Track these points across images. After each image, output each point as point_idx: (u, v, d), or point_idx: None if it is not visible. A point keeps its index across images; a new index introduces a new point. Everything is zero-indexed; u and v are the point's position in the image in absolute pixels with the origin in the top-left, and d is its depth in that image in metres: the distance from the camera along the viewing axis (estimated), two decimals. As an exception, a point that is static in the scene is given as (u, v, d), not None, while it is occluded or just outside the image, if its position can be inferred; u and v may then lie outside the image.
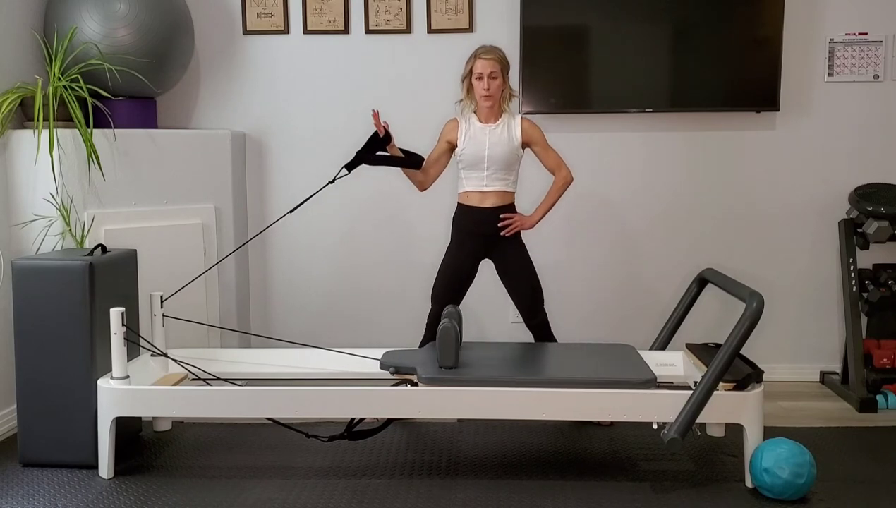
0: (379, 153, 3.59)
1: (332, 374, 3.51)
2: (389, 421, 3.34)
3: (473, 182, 3.62)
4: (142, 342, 3.33)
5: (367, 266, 4.50)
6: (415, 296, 4.37)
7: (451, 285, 3.69)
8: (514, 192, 3.67)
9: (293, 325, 4.51)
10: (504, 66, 3.59)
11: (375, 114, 3.56)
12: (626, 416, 2.98)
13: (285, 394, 3.04)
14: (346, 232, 4.50)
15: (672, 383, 3.42)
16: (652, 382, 3.06)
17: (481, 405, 3.04)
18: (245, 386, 3.18)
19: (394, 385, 3.22)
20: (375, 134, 3.55)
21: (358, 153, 3.58)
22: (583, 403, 3.02)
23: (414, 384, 3.18)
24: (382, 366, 3.33)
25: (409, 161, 3.64)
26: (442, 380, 3.10)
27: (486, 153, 3.57)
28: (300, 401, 3.04)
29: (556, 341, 3.72)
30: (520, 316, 3.75)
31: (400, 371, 3.27)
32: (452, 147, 3.68)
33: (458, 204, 3.69)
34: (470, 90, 3.62)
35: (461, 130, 3.63)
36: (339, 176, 3.58)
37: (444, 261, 3.72)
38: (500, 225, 3.61)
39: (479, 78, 3.55)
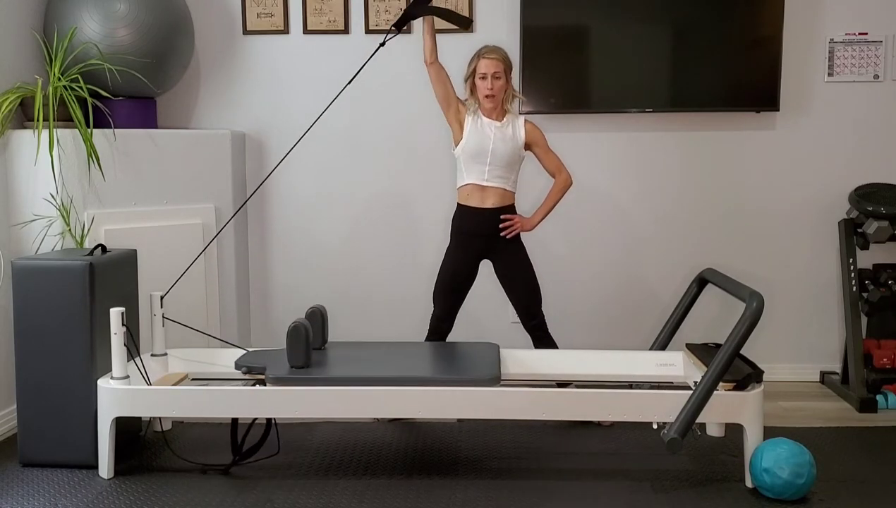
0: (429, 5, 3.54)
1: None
2: (267, 430, 3.27)
3: (474, 175, 3.62)
4: (132, 349, 3.33)
5: (369, 266, 4.50)
6: (417, 296, 4.37)
7: (451, 286, 3.69)
8: (514, 193, 3.67)
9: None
10: (507, 65, 3.60)
11: None
12: (626, 416, 2.98)
13: (285, 394, 3.04)
14: (348, 231, 4.50)
15: (672, 383, 3.42)
16: (495, 380, 3.08)
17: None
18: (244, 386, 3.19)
19: (251, 385, 3.19)
20: None
21: (406, 9, 3.53)
22: (583, 403, 3.02)
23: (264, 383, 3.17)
24: (236, 366, 3.32)
25: (458, 17, 3.55)
26: (290, 380, 3.10)
27: (491, 147, 3.57)
28: (300, 401, 3.04)
29: (554, 342, 3.72)
30: (517, 316, 3.75)
31: (252, 370, 3.26)
32: (457, 105, 3.64)
33: (458, 204, 3.69)
34: (473, 89, 3.63)
35: (468, 119, 3.62)
36: (388, 38, 3.53)
37: (444, 263, 3.72)
38: (500, 226, 3.61)
39: (483, 77, 3.56)
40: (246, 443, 3.26)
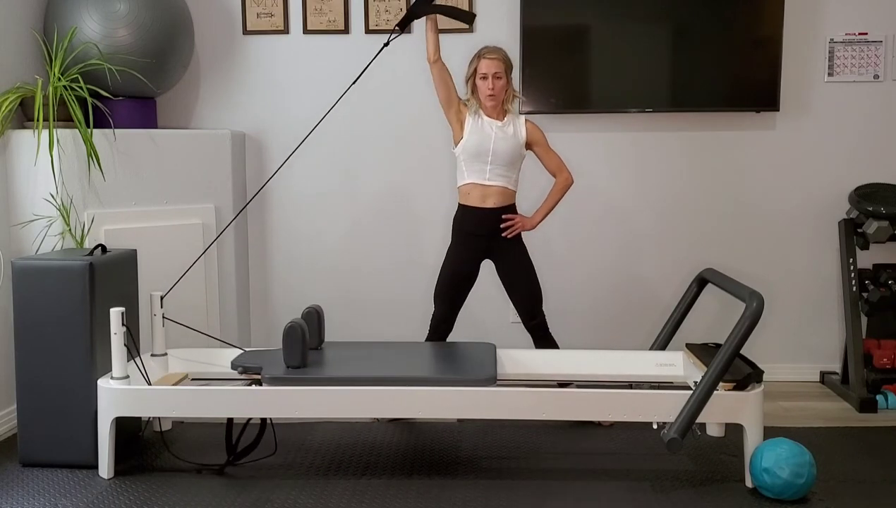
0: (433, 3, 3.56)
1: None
2: (262, 430, 3.26)
3: (475, 174, 3.61)
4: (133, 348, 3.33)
5: (369, 265, 4.50)
6: (417, 297, 4.37)
7: (451, 286, 3.70)
8: (515, 192, 3.67)
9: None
10: (508, 66, 3.60)
11: None
12: (626, 416, 2.98)
13: (285, 394, 3.04)
14: (348, 231, 4.50)
15: (672, 383, 3.42)
16: (492, 380, 3.07)
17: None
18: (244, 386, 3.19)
19: (247, 385, 3.19)
20: None
21: (410, 8, 3.54)
22: (583, 403, 3.02)
23: (260, 383, 3.17)
24: (232, 366, 3.32)
25: (461, 13, 3.56)
26: (286, 380, 3.10)
27: (492, 146, 3.57)
28: (298, 401, 3.04)
29: (555, 342, 3.72)
30: (518, 316, 3.75)
31: (248, 370, 3.26)
32: (458, 105, 3.63)
33: (459, 204, 3.69)
34: (474, 90, 3.63)
35: (469, 119, 3.62)
36: (392, 38, 3.55)
37: (446, 262, 3.72)
38: (502, 225, 3.61)
39: (483, 77, 3.56)
40: (241, 443, 3.27)
